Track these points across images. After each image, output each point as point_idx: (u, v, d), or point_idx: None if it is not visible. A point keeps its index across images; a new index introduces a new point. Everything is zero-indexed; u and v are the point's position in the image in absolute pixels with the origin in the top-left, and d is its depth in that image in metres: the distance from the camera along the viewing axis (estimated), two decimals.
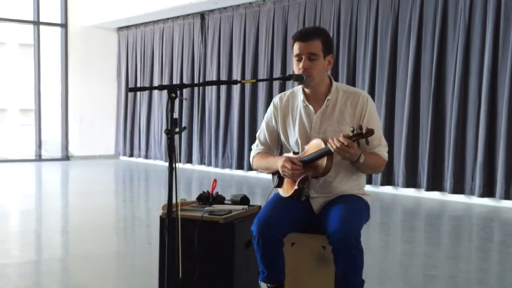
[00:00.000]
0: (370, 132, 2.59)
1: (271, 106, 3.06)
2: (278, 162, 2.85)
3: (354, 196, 2.89)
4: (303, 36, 2.85)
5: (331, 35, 8.54)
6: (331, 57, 2.90)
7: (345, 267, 2.62)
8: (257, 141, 3.11)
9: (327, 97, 2.88)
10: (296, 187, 2.82)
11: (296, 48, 2.86)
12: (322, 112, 2.88)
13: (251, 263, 3.03)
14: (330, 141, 2.62)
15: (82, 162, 12.63)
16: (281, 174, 2.85)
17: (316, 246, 2.85)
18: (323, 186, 2.88)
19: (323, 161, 2.71)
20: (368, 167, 2.81)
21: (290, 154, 2.89)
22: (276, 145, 3.05)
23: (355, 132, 2.60)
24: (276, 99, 3.06)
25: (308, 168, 2.78)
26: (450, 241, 5.45)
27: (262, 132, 3.09)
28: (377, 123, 2.88)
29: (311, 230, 2.88)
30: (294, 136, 2.94)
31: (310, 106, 2.91)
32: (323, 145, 2.70)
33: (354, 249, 2.59)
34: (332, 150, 2.62)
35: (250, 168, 9.85)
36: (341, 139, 2.59)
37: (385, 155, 2.87)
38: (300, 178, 2.81)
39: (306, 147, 2.83)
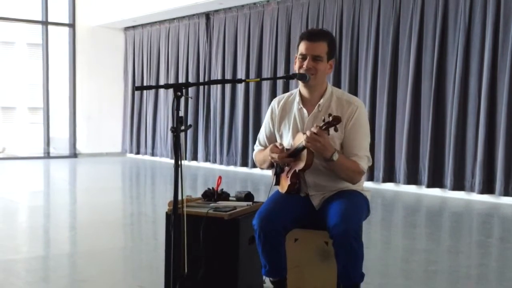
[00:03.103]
0: (337, 119, 2.62)
1: (269, 109, 3.12)
2: (268, 151, 2.95)
3: (353, 191, 2.93)
4: (311, 36, 2.89)
5: (333, 35, 8.67)
6: (333, 62, 2.95)
7: (346, 259, 2.67)
8: (257, 142, 3.20)
9: (319, 102, 2.93)
10: (288, 182, 2.89)
11: (302, 48, 2.89)
12: (314, 116, 2.93)
13: (255, 259, 3.03)
14: (307, 132, 2.69)
15: (89, 160, 12.69)
16: (271, 160, 2.92)
17: (318, 241, 2.90)
18: (319, 184, 2.93)
19: (304, 154, 2.77)
20: (342, 169, 2.79)
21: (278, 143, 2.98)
22: None
23: (325, 121, 2.65)
24: (274, 102, 3.12)
25: (295, 162, 2.86)
26: (451, 237, 5.47)
27: (261, 134, 3.17)
28: (361, 133, 2.88)
29: (313, 226, 2.93)
30: (288, 136, 3.00)
31: (304, 109, 2.96)
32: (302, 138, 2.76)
33: (354, 241, 2.64)
34: (305, 142, 2.69)
35: (254, 165, 9.92)
36: (311, 128, 2.67)
37: (362, 165, 2.84)
38: (291, 173, 2.88)
39: (293, 142, 2.91)
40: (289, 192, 2.94)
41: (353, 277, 2.72)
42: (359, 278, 2.75)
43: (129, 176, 10.76)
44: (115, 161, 12.65)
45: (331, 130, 2.66)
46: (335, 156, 2.72)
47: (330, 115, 2.65)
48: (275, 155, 2.87)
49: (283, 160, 2.88)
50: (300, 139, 2.79)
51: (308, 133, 2.67)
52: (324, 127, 2.65)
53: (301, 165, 2.81)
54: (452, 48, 7.45)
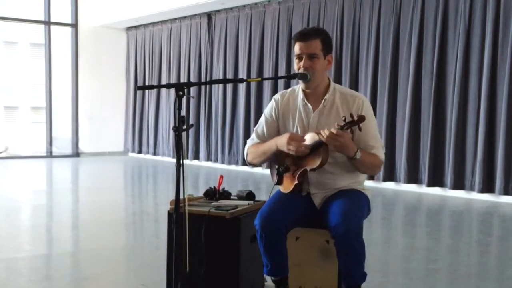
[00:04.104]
0: (361, 118, 2.65)
1: (272, 101, 3.10)
2: (279, 140, 2.89)
3: (354, 190, 2.95)
4: (303, 36, 2.90)
5: (334, 35, 8.72)
6: (330, 57, 2.95)
7: (348, 259, 2.68)
8: (253, 135, 3.14)
9: (325, 97, 2.93)
10: (296, 181, 2.88)
11: (296, 48, 2.91)
12: (320, 111, 2.94)
13: (256, 257, 3.04)
14: (322, 131, 2.69)
15: (91, 159, 12.72)
16: (287, 151, 2.84)
17: (319, 240, 2.92)
18: (321, 182, 2.93)
19: (319, 153, 2.77)
20: (364, 165, 2.84)
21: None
22: None
23: (346, 121, 2.66)
24: (277, 96, 3.11)
25: (306, 161, 2.84)
26: (451, 236, 5.49)
27: (260, 126, 3.12)
28: (372, 125, 2.91)
29: (314, 225, 2.94)
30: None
31: (309, 105, 2.96)
32: (317, 137, 2.75)
33: (356, 241, 2.66)
34: (323, 139, 2.68)
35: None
36: (331, 129, 2.66)
37: (382, 156, 2.90)
38: (299, 173, 2.86)
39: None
40: (293, 192, 2.94)
41: (355, 277, 2.73)
42: (361, 277, 2.76)
43: (131, 175, 10.77)
44: (117, 160, 12.68)
45: (355, 129, 2.68)
46: (358, 155, 2.76)
47: (351, 114, 2.67)
48: (293, 146, 2.79)
49: (301, 150, 2.79)
50: (310, 138, 2.79)
51: (327, 132, 2.67)
52: (346, 127, 2.67)
53: (315, 164, 2.78)
54: (452, 48, 7.48)
